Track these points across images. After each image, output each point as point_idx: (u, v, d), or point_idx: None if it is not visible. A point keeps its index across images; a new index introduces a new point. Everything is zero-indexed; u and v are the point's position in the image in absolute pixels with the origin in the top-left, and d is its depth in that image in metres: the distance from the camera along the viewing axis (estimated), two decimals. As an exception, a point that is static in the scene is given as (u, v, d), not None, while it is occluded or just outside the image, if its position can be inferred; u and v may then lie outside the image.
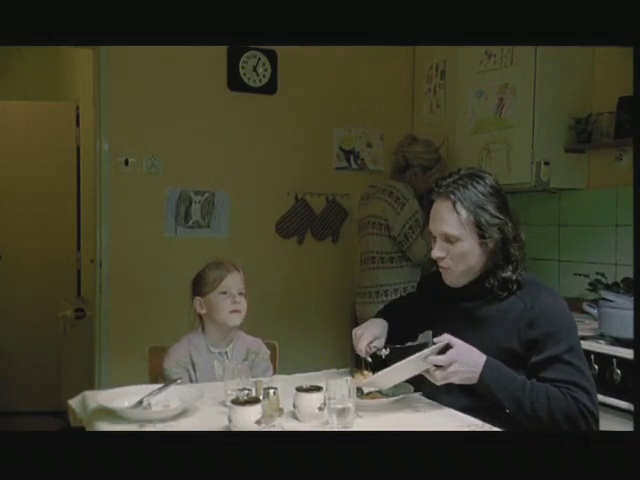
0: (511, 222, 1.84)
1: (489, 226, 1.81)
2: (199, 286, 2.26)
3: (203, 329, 2.27)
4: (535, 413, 1.72)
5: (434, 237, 1.89)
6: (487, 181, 1.86)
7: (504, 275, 1.83)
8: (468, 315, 1.90)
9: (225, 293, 2.21)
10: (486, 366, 1.76)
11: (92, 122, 3.72)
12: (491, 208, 1.81)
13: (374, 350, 1.99)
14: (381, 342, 2.03)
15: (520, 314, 1.81)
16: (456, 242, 1.83)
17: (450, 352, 1.75)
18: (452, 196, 1.82)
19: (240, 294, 2.23)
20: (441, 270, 1.91)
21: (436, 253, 1.87)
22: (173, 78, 3.66)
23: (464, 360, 1.75)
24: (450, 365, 1.74)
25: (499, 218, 1.82)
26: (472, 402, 1.81)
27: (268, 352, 2.34)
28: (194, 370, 2.19)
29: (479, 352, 1.78)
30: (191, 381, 2.15)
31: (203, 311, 2.25)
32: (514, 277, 1.83)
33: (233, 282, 2.24)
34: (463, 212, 1.81)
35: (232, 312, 2.21)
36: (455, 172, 1.90)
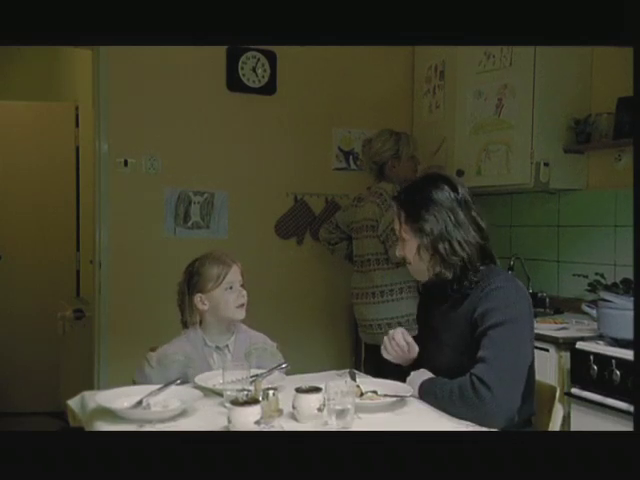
0: (446, 226, 1.93)
1: (417, 228, 1.94)
2: (201, 283, 2.21)
3: (201, 323, 2.25)
4: (445, 405, 1.80)
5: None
6: (431, 187, 1.97)
7: (440, 274, 1.95)
8: (443, 317, 2.01)
9: (231, 288, 2.20)
10: (421, 385, 1.90)
11: (91, 122, 3.72)
12: (422, 211, 1.93)
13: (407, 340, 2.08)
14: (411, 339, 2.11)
15: (473, 301, 1.90)
16: (404, 240, 2.00)
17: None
18: (396, 202, 2.04)
19: (241, 286, 2.24)
20: (408, 266, 2.07)
21: (396, 252, 2.08)
22: (172, 79, 3.66)
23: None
24: None
25: (426, 221, 1.93)
26: None
27: (274, 344, 2.33)
28: (189, 366, 2.17)
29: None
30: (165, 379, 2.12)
31: (205, 307, 2.21)
32: (450, 277, 1.93)
33: (235, 276, 2.23)
34: (402, 214, 2.00)
35: (238, 307, 2.21)
36: (417, 178, 2.17)
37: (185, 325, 2.27)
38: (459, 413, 1.76)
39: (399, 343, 2.06)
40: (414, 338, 2.23)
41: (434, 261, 1.95)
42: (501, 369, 1.76)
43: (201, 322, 2.25)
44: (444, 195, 1.96)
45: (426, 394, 1.88)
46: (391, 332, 2.10)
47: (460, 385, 1.78)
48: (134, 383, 2.13)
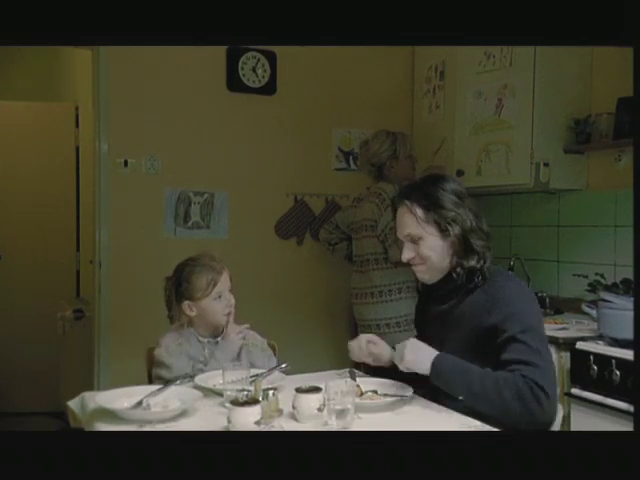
0: (470, 216, 1.92)
1: (446, 220, 1.91)
2: (189, 291, 2.20)
3: (190, 323, 2.27)
4: (487, 396, 1.75)
5: (402, 242, 2.00)
6: (442, 181, 1.97)
7: (469, 265, 1.92)
8: (443, 317, 1.99)
9: (219, 297, 2.20)
10: (438, 356, 1.85)
11: (91, 122, 3.72)
12: (446, 204, 1.91)
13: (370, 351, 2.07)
14: (379, 347, 2.09)
15: (482, 303, 1.88)
16: (419, 241, 1.94)
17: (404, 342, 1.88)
18: (407, 200, 1.96)
19: (229, 292, 2.23)
20: (414, 270, 2.02)
21: (405, 255, 1.99)
22: (172, 79, 3.66)
23: (411, 348, 1.88)
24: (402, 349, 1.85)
25: (455, 212, 1.91)
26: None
27: (264, 340, 2.34)
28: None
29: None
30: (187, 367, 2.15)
31: (193, 314, 2.22)
32: (478, 266, 1.91)
33: (224, 284, 2.22)
34: (419, 211, 1.93)
35: (227, 315, 2.22)
36: (416, 180, 2.07)
37: (172, 320, 2.29)
38: (507, 412, 1.73)
39: (362, 349, 2.06)
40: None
41: (457, 254, 1.93)
42: (550, 373, 1.78)
43: (191, 322, 2.27)
44: (456, 187, 1.96)
45: (447, 372, 1.82)
46: (356, 339, 2.10)
47: (507, 382, 1.74)
48: (160, 379, 2.12)
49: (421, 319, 2.18)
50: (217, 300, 2.20)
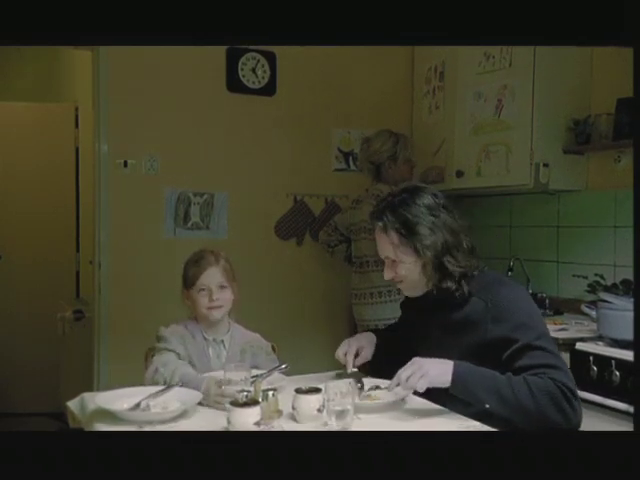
0: (445, 236, 1.89)
1: (422, 245, 1.88)
2: (184, 280, 2.28)
3: (196, 318, 2.30)
4: (519, 402, 1.73)
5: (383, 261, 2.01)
6: (416, 197, 1.93)
7: (444, 286, 1.91)
8: (440, 325, 1.98)
9: (203, 290, 2.22)
10: (457, 364, 1.79)
11: (91, 123, 3.72)
12: (421, 229, 1.88)
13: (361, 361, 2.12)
14: (368, 352, 2.15)
15: (482, 313, 1.86)
16: (397, 262, 1.94)
17: (413, 359, 1.80)
18: (380, 222, 1.93)
19: (220, 288, 2.22)
20: (397, 286, 2.04)
21: (386, 275, 2.00)
22: (172, 80, 3.66)
23: (430, 362, 1.79)
24: (419, 367, 1.76)
25: (429, 238, 1.88)
26: (477, 409, 1.80)
27: (269, 344, 2.36)
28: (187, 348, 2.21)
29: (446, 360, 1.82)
30: (182, 356, 2.16)
31: (189, 303, 2.27)
32: (454, 287, 1.90)
33: (211, 278, 2.22)
34: (394, 237, 1.91)
35: (209, 309, 2.21)
36: (390, 193, 2.02)
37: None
38: (542, 417, 1.73)
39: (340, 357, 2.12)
40: (400, 333, 2.25)
41: (434, 275, 1.92)
42: (571, 375, 1.79)
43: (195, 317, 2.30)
44: (430, 201, 1.92)
45: (469, 373, 1.78)
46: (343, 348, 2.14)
47: (539, 386, 1.73)
48: (157, 352, 2.14)
49: (414, 323, 2.13)
50: (201, 293, 2.21)
